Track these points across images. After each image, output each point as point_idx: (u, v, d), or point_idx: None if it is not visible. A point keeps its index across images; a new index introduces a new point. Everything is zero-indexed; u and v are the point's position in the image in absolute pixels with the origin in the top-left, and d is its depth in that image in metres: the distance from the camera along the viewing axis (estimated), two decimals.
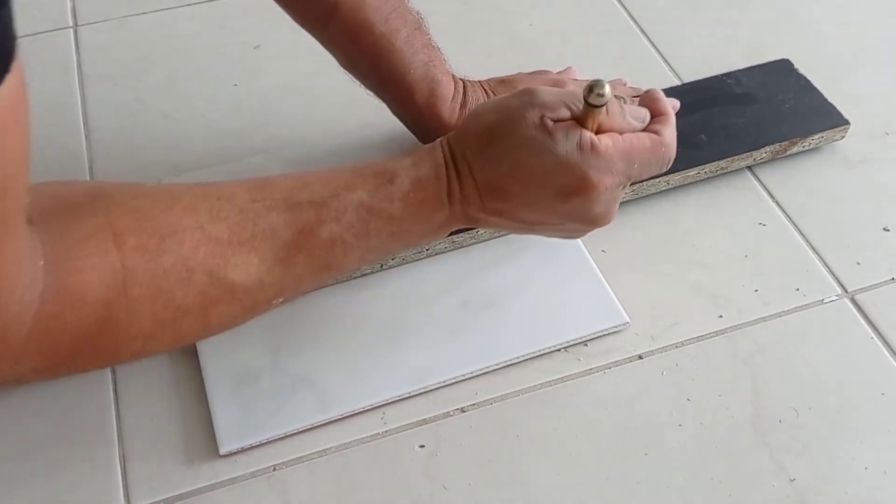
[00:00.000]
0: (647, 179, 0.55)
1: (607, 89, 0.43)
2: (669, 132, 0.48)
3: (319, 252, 0.45)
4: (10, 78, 0.30)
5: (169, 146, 0.68)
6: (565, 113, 0.46)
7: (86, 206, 0.40)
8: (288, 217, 0.44)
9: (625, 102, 0.63)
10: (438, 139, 0.49)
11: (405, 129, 0.62)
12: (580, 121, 0.46)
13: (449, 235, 0.58)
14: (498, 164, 0.46)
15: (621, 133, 0.47)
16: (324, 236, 0.45)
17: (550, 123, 0.45)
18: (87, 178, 0.66)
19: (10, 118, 0.31)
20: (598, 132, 0.46)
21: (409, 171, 0.47)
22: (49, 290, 0.36)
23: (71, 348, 0.38)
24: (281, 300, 0.46)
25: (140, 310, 0.40)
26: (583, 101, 0.45)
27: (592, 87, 0.43)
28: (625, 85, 0.67)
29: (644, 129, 0.48)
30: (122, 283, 0.39)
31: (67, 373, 0.43)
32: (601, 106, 0.44)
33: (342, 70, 0.60)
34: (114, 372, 0.55)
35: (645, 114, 0.49)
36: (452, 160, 0.47)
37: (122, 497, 0.49)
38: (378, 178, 0.46)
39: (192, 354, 0.55)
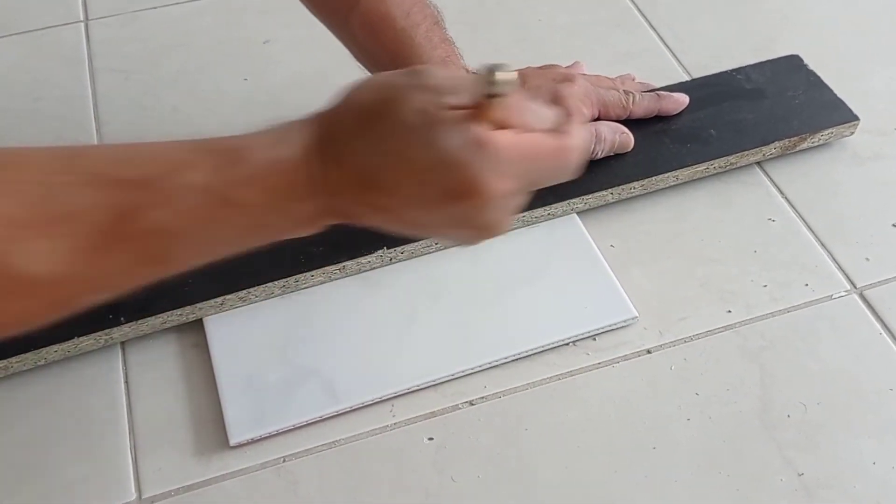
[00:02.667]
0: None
1: (511, 76, 0.36)
2: (577, 135, 0.40)
3: (143, 242, 0.37)
4: None
5: None
6: (461, 100, 0.38)
7: None
8: (104, 197, 0.36)
9: (635, 99, 0.64)
10: (311, 115, 0.40)
11: None
12: (477, 112, 0.37)
13: None
14: (372, 153, 0.38)
15: (525, 132, 0.39)
16: (149, 223, 0.36)
17: (439, 111, 0.37)
18: None
19: None
20: (497, 128, 0.38)
21: (266, 151, 0.38)
22: None
23: None
24: (96, 297, 0.38)
25: None
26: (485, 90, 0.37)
27: (492, 70, 0.36)
28: (633, 80, 0.68)
29: (552, 130, 0.40)
30: None
31: None
32: (499, 95, 0.37)
33: (352, 65, 0.60)
34: (125, 363, 0.55)
35: (552, 115, 0.41)
36: (320, 142, 0.39)
37: (133, 488, 0.50)
38: (224, 156, 0.38)
39: (202, 346, 0.55)
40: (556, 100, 0.44)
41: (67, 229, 0.35)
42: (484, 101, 0.37)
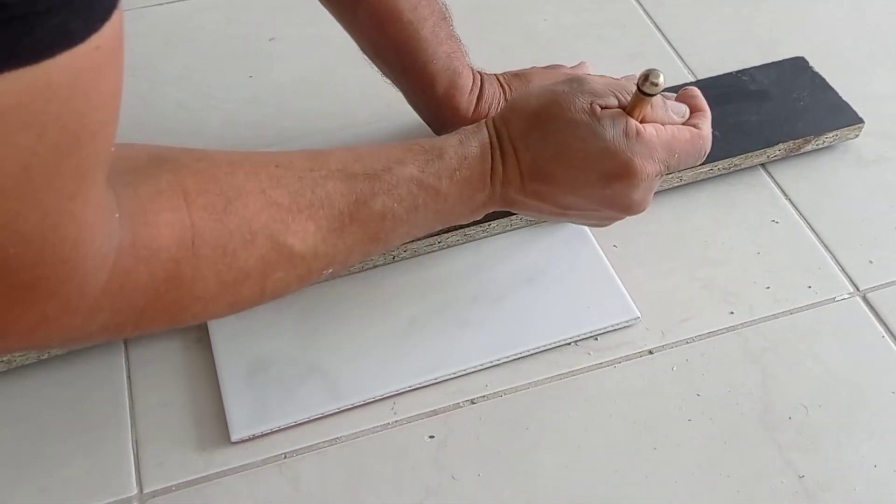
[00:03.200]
0: (683, 170, 0.58)
1: (661, 79, 0.45)
2: (706, 126, 0.50)
3: (371, 223, 0.45)
4: (114, 20, 0.29)
5: (184, 137, 0.69)
6: (613, 101, 0.47)
7: (152, 166, 0.39)
8: (343, 187, 0.44)
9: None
10: (483, 120, 0.50)
11: (419, 121, 0.62)
12: (627, 109, 0.47)
13: (460, 228, 0.59)
14: (543, 146, 0.47)
15: (663, 125, 0.48)
16: (376, 208, 0.45)
17: (599, 109, 0.47)
18: None
19: (108, 62, 0.30)
20: (641, 122, 0.47)
21: (457, 149, 0.48)
22: (125, 244, 0.35)
23: (141, 306, 0.37)
24: (331, 270, 0.46)
25: (205, 270, 0.39)
26: (629, 92, 0.47)
27: (648, 76, 0.45)
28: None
29: (683, 124, 0.50)
30: (192, 241, 0.38)
31: (132, 333, 0.42)
32: (653, 95, 0.46)
33: (357, 62, 0.60)
34: (127, 358, 0.55)
35: (685, 109, 0.51)
36: (498, 140, 0.48)
37: (134, 482, 0.50)
38: (428, 153, 0.47)
39: (205, 342, 0.55)
40: (684, 95, 0.54)
41: (320, 213, 0.43)
42: (637, 100, 0.46)
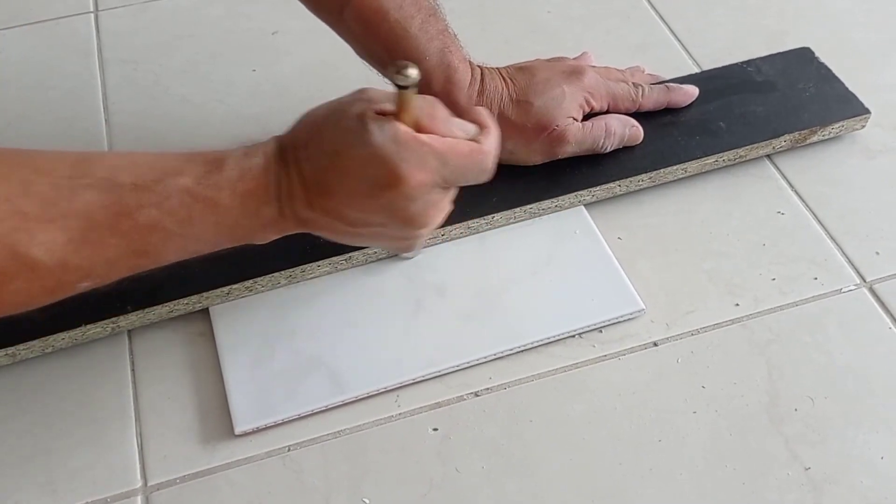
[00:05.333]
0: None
1: (412, 71, 0.42)
2: (489, 143, 0.47)
3: (136, 237, 0.43)
4: None
5: (188, 130, 0.69)
6: (389, 107, 0.45)
7: None
8: (106, 197, 0.42)
9: (644, 91, 0.63)
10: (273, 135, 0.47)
11: None
12: (397, 114, 0.45)
13: (464, 220, 0.58)
14: (320, 157, 0.45)
15: (442, 137, 0.46)
16: (142, 220, 0.42)
17: (370, 115, 0.44)
18: None
19: None
20: (418, 132, 0.45)
21: (240, 161, 0.45)
22: None
23: None
24: (88, 284, 0.43)
25: None
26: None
27: (398, 68, 0.42)
28: (643, 72, 0.67)
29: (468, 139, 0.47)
30: None
31: None
32: (407, 87, 0.43)
33: (359, 57, 0.60)
34: (131, 352, 0.55)
35: (472, 128, 0.48)
36: (281, 151, 0.46)
37: (138, 475, 0.50)
38: (209, 164, 0.44)
39: (208, 335, 0.55)
40: (476, 115, 0.50)
41: (73, 223, 0.41)
42: (399, 97, 0.44)
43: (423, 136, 0.45)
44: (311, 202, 0.46)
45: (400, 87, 0.43)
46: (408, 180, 0.44)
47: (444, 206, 0.48)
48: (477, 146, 0.47)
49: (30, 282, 0.41)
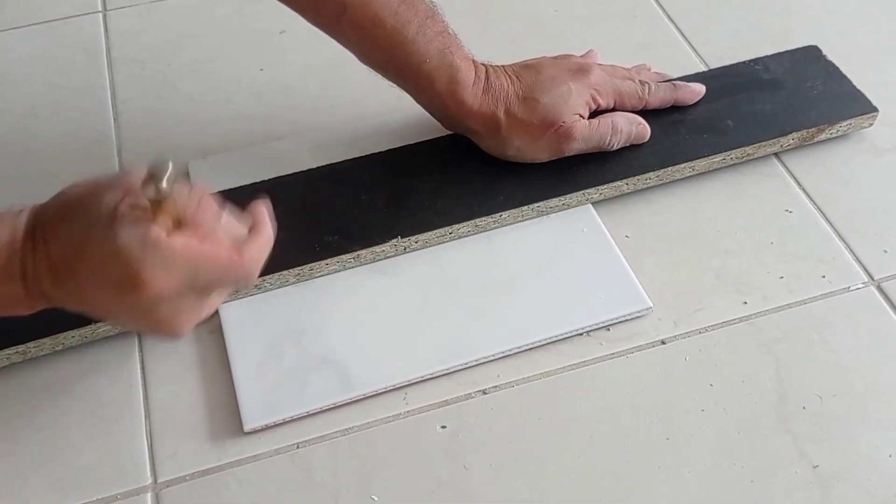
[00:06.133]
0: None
1: (164, 185, 0.39)
2: (252, 251, 0.44)
3: None
4: None
5: (195, 129, 0.69)
6: (145, 202, 0.41)
7: None
8: None
9: (651, 88, 0.63)
10: (28, 204, 0.44)
11: (427, 114, 0.62)
12: (156, 212, 0.41)
13: (471, 218, 0.59)
14: (67, 242, 0.42)
15: (204, 239, 0.42)
16: None
17: (123, 210, 0.41)
18: (116, 161, 0.67)
19: None
20: (178, 231, 0.42)
21: None
22: None
23: None
24: None
25: None
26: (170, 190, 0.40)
27: (152, 175, 0.39)
28: (649, 70, 0.67)
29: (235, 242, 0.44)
30: None
31: None
32: (155, 199, 0.40)
33: None
34: (141, 350, 0.55)
35: (242, 231, 0.45)
36: (33, 228, 0.43)
37: (148, 472, 0.50)
38: None
39: (217, 333, 0.56)
40: (254, 209, 0.47)
41: None
42: (158, 202, 0.40)
43: (174, 242, 0.41)
44: (58, 284, 0.43)
45: (161, 199, 0.40)
46: (149, 286, 0.41)
47: (203, 309, 0.45)
48: (236, 257, 0.43)
49: None
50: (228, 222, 0.44)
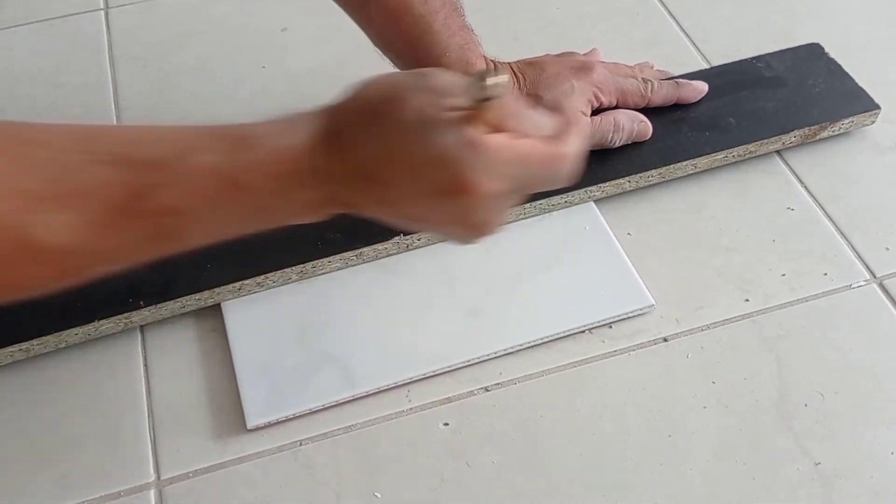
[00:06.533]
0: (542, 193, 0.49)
1: (501, 80, 0.38)
2: (571, 145, 0.41)
3: (155, 219, 0.39)
4: None
5: None
6: (461, 101, 0.39)
7: None
8: (119, 175, 0.37)
9: (653, 86, 0.63)
10: (317, 107, 0.42)
11: None
12: (473, 115, 0.39)
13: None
14: (373, 147, 0.40)
15: (518, 137, 0.40)
16: (161, 202, 0.38)
17: (437, 111, 0.39)
18: None
19: None
20: (496, 131, 0.39)
21: (274, 140, 0.40)
22: None
23: None
24: (102, 269, 0.40)
25: None
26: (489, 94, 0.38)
27: (482, 76, 0.38)
28: (652, 68, 0.67)
29: (548, 137, 0.41)
30: None
31: None
32: (486, 99, 0.38)
33: (369, 52, 0.60)
34: (144, 347, 0.56)
35: (553, 123, 0.42)
36: (328, 132, 0.40)
37: (151, 469, 0.50)
38: (235, 142, 0.39)
39: (220, 330, 0.56)
40: (557, 105, 0.44)
41: (82, 204, 0.37)
42: (479, 104, 0.38)
43: (497, 140, 0.39)
44: (361, 190, 0.41)
45: (481, 100, 0.38)
46: (477, 189, 0.39)
47: (510, 208, 0.43)
48: (555, 152, 0.41)
49: (40, 267, 0.38)
50: (539, 120, 0.42)
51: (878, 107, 0.66)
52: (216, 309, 0.57)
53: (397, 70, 0.56)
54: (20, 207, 0.36)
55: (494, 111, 0.39)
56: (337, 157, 0.40)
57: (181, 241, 0.41)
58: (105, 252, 0.39)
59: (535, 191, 0.43)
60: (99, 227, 0.37)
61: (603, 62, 0.64)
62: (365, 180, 0.40)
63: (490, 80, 0.37)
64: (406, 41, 0.56)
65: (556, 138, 0.41)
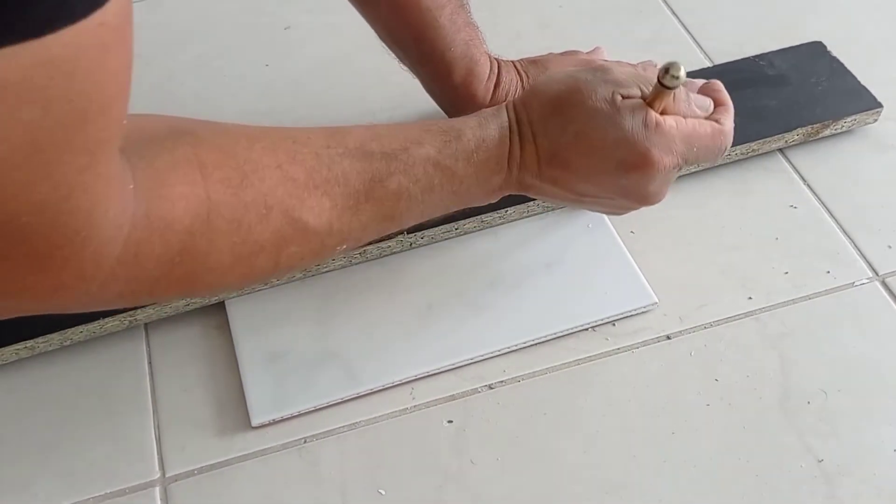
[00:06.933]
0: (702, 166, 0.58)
1: (682, 72, 0.44)
2: (729, 122, 0.50)
3: (386, 202, 0.46)
4: None
5: None
6: (635, 91, 0.47)
7: (171, 139, 0.39)
8: (360, 165, 0.44)
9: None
10: (504, 103, 0.50)
11: (435, 108, 0.62)
12: (648, 101, 0.47)
13: (477, 214, 0.59)
14: (562, 133, 0.48)
15: (685, 118, 0.48)
16: (392, 187, 0.45)
17: (619, 99, 0.47)
18: None
19: (115, 37, 0.30)
20: (662, 114, 0.47)
21: (475, 132, 0.48)
22: (139, 215, 0.36)
23: (155, 276, 0.38)
24: (345, 247, 0.46)
25: (220, 242, 0.40)
26: (653, 84, 0.46)
27: (668, 69, 0.45)
28: (655, 67, 0.67)
29: (706, 118, 0.50)
30: (207, 214, 0.38)
31: (147, 300, 0.45)
32: (673, 88, 0.45)
33: (373, 50, 0.60)
34: (149, 345, 0.56)
35: (709, 103, 0.51)
36: (517, 124, 0.48)
37: (156, 466, 0.51)
38: (446, 135, 0.47)
39: (224, 328, 0.56)
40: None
41: (335, 190, 0.43)
42: (658, 92, 0.46)
43: (670, 120, 0.47)
44: (541, 173, 0.48)
45: (667, 88, 0.45)
46: (656, 164, 0.47)
47: (674, 179, 0.51)
48: (718, 128, 0.49)
49: (302, 245, 0.43)
50: (701, 103, 0.50)
51: (880, 105, 0.66)
52: (220, 306, 0.57)
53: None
54: (293, 193, 0.42)
55: (668, 98, 0.47)
56: (527, 144, 0.48)
57: (400, 222, 0.48)
58: (349, 232, 0.45)
59: (699, 164, 0.51)
60: (347, 210, 0.44)
61: (606, 61, 0.64)
62: (549, 163, 0.48)
63: (680, 73, 0.44)
64: (412, 35, 0.57)
65: (715, 118, 0.50)
